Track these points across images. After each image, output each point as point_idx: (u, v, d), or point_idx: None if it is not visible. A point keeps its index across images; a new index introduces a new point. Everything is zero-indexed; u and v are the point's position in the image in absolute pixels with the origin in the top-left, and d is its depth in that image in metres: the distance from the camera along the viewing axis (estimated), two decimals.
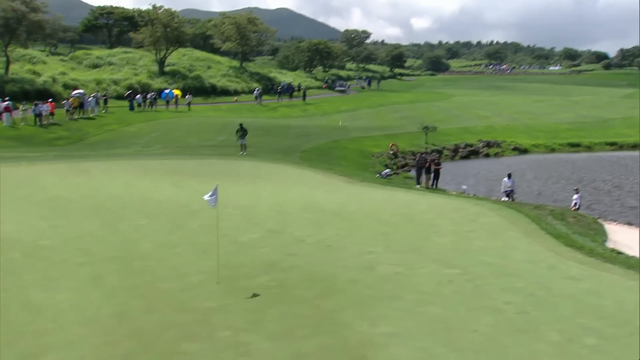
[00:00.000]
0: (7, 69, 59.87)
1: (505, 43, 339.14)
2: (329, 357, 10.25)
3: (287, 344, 10.72)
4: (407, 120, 62.30)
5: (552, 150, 59.98)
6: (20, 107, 47.89)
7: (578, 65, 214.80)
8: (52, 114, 48.47)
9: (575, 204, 29.85)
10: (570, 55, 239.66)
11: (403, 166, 43.05)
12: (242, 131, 38.23)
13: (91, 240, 17.15)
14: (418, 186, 31.83)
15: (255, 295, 13.23)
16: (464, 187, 33.83)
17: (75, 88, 59.95)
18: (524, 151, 58.34)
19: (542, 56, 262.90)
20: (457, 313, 12.40)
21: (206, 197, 13.67)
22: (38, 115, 47.04)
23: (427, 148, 48.47)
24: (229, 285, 13.77)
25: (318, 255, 16.39)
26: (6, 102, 46.78)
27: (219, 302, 12.78)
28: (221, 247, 15.46)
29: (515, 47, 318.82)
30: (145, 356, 10.10)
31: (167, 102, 64.85)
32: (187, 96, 66.47)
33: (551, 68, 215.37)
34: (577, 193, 30.77)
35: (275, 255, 16.27)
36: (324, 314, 12.18)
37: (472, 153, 53.18)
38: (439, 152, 48.27)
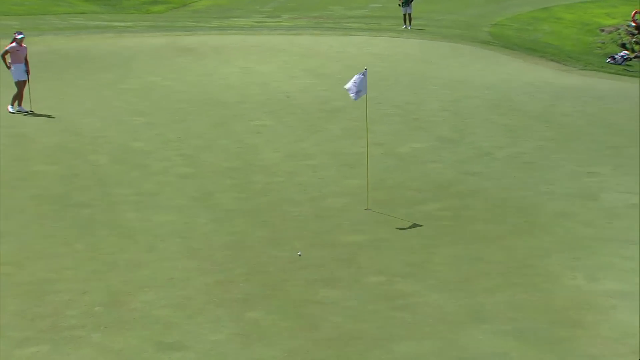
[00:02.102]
0: None
1: None
2: (525, 318, 10.21)
3: (464, 298, 10.79)
4: None
5: None
6: None
7: None
8: None
9: None
10: None
11: None
12: None
13: (199, 145, 18.07)
14: None
15: (420, 228, 13.37)
16: None
17: None
18: None
19: None
20: None
21: (348, 85, 13.70)
22: None
23: None
24: (383, 213, 13.99)
25: (512, 176, 16.16)
26: None
27: (368, 235, 13.06)
28: (373, 160, 15.63)
29: None
30: (269, 302, 10.65)
31: None
32: None
33: None
34: None
35: (449, 174, 16.23)
36: (518, 259, 12.09)
37: None
38: None
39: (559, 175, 16.21)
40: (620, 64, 33.85)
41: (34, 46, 26.17)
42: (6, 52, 20.03)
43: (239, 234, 13.07)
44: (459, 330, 9.93)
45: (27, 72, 20.19)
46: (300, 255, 11.99)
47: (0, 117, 19.82)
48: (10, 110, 20.27)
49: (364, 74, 13.69)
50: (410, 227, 13.39)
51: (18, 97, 20.31)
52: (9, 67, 20.14)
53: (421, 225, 13.42)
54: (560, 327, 10.02)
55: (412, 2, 37.64)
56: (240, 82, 24.91)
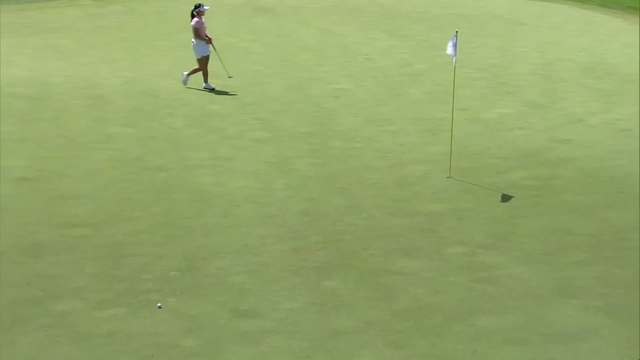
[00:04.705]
0: None
1: None
2: (617, 294, 10.07)
3: (550, 272, 10.71)
4: None
5: None
6: None
7: None
8: None
9: None
10: None
11: None
12: None
13: (275, 109, 18.22)
14: None
15: (505, 197, 13.28)
16: None
17: None
18: None
19: None
20: None
21: (449, 50, 13.72)
22: None
23: None
24: (465, 182, 13.93)
25: (605, 144, 15.91)
26: None
27: (450, 204, 13.04)
28: (457, 126, 15.51)
29: None
30: (346, 272, 10.74)
31: None
32: None
33: None
34: None
35: (538, 141, 16.03)
36: (611, 232, 11.93)
37: None
38: None
39: None
40: None
41: (111, 6, 26.72)
42: (198, 29, 19.42)
43: (315, 200, 13.18)
44: (545, 304, 9.87)
45: (211, 41, 19.60)
46: (160, 307, 9.78)
47: (79, 79, 20.28)
48: (211, 86, 19.61)
49: (454, 38, 13.81)
50: (495, 196, 13.30)
51: (205, 73, 19.70)
52: (210, 42, 19.59)
53: (506, 195, 13.32)
54: None
55: None
56: (319, 43, 24.94)
